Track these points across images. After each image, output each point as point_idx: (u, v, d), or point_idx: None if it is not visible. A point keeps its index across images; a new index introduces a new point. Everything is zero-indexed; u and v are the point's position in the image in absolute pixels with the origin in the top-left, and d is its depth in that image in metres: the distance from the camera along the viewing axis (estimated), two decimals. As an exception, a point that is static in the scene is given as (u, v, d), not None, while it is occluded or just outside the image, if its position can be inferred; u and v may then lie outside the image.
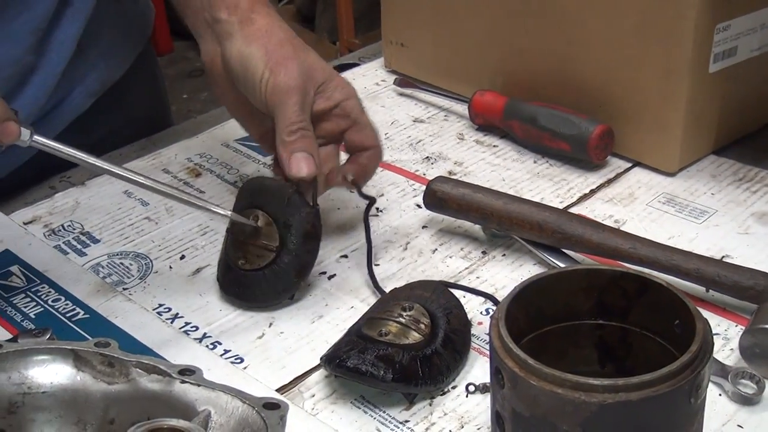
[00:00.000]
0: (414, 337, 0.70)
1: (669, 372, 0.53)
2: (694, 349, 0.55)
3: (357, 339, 0.70)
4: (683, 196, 0.90)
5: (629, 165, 0.95)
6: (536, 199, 0.88)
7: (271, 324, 0.76)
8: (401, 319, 0.71)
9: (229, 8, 0.81)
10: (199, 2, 0.83)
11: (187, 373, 0.62)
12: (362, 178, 0.85)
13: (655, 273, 0.70)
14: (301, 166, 0.78)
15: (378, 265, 0.83)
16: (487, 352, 0.72)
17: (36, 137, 0.73)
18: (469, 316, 0.75)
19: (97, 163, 0.76)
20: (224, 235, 0.81)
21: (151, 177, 0.77)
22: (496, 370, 0.57)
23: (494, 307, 0.77)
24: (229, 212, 0.78)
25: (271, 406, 0.59)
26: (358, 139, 0.83)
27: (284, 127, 0.78)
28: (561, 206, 0.89)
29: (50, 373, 0.63)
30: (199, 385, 0.61)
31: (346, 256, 0.83)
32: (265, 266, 0.77)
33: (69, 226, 0.89)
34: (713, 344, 0.57)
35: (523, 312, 0.60)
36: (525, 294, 0.60)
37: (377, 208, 0.90)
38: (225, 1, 0.81)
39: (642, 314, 0.62)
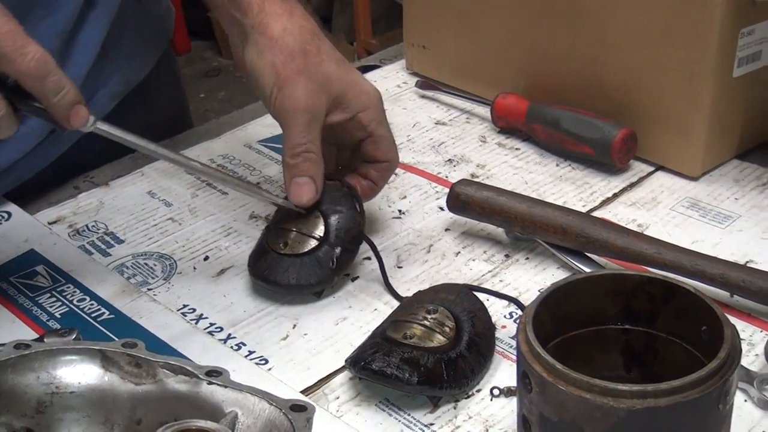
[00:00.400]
0: (439, 340, 0.70)
1: (698, 378, 0.53)
2: (723, 356, 0.55)
3: (382, 341, 0.70)
4: (706, 201, 0.90)
5: (652, 169, 0.95)
6: (559, 203, 0.88)
7: (295, 325, 0.77)
8: (426, 322, 0.71)
9: (242, 9, 0.80)
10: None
11: (214, 374, 0.62)
12: (369, 190, 0.84)
13: (679, 278, 0.70)
14: (301, 192, 0.78)
15: (401, 267, 0.83)
16: (512, 356, 0.72)
17: (99, 123, 0.73)
18: (493, 320, 0.75)
19: (158, 150, 0.76)
20: (263, 230, 0.82)
21: (206, 164, 0.77)
22: (523, 375, 0.57)
23: (518, 311, 0.77)
24: (284, 199, 0.79)
25: (298, 408, 0.60)
26: (372, 152, 0.83)
27: (288, 149, 0.78)
28: (584, 210, 0.89)
29: (78, 373, 0.63)
30: (226, 387, 0.62)
31: (369, 258, 0.83)
32: (304, 253, 0.77)
33: (93, 226, 0.90)
34: (741, 350, 0.57)
35: (549, 316, 0.61)
36: (552, 298, 0.60)
37: (399, 210, 0.90)
38: (239, 0, 0.80)
39: (669, 319, 0.62)
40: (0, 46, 0.66)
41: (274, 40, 0.79)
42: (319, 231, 0.79)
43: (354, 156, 0.85)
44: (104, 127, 0.73)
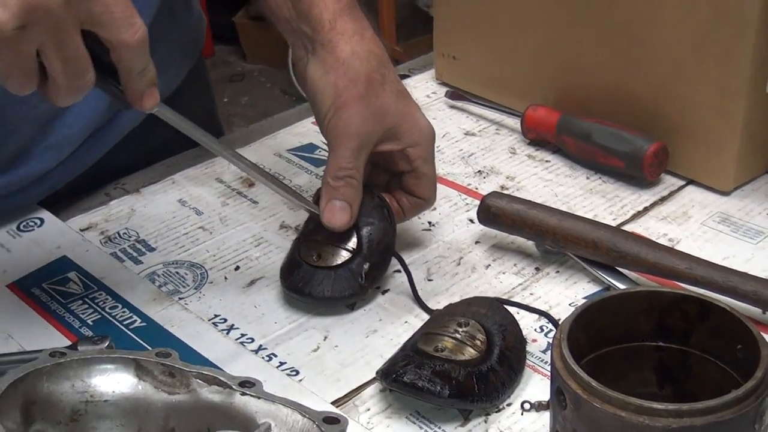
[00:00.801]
0: (470, 353, 0.70)
1: (734, 398, 0.53)
2: (759, 375, 0.55)
3: (413, 354, 0.70)
4: (738, 216, 0.90)
5: (683, 183, 0.95)
6: (589, 216, 0.88)
7: (325, 337, 0.77)
8: (457, 335, 0.71)
9: (312, 25, 0.80)
10: (288, 11, 0.82)
11: (248, 385, 0.63)
12: (396, 216, 0.83)
13: (711, 294, 0.70)
14: (336, 215, 0.78)
15: (431, 280, 0.83)
16: (542, 370, 0.72)
17: (162, 106, 0.73)
18: (524, 333, 0.75)
19: (213, 145, 0.78)
20: (294, 241, 0.83)
21: (254, 163, 0.79)
22: (557, 391, 0.57)
23: (548, 324, 0.77)
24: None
25: (331, 420, 0.60)
26: (412, 186, 0.83)
27: (332, 170, 0.78)
28: (614, 223, 0.89)
29: (112, 382, 0.64)
30: (259, 398, 0.62)
31: (399, 271, 0.83)
32: (338, 265, 0.78)
33: (125, 233, 0.91)
34: (777, 370, 0.56)
35: (583, 332, 0.60)
36: (586, 315, 0.60)
37: (429, 222, 0.90)
38: (310, 16, 0.80)
39: (703, 337, 0.62)
40: (112, 11, 0.65)
41: (340, 61, 0.79)
42: (352, 243, 0.79)
43: (392, 181, 0.85)
44: (166, 112, 0.74)
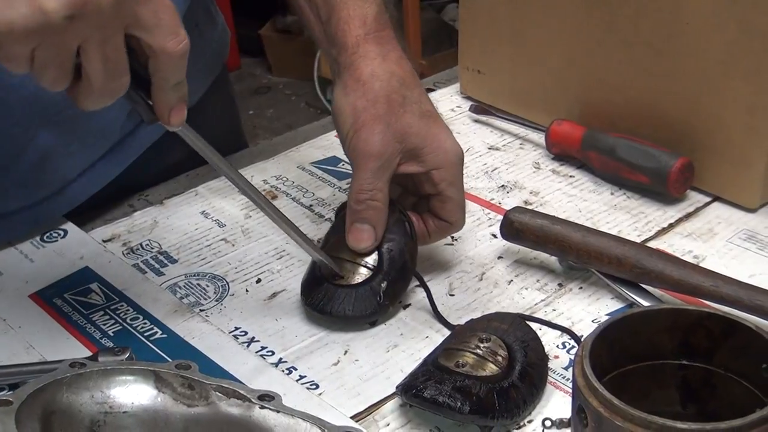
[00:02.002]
0: (491, 369, 0.69)
1: (759, 418, 0.53)
2: (785, 396, 0.54)
3: (434, 369, 0.69)
4: (764, 233, 0.88)
5: (709, 199, 0.94)
6: (613, 232, 0.87)
7: (346, 351, 0.77)
8: (478, 351, 0.70)
9: (338, 47, 0.80)
10: (320, 33, 0.83)
11: (267, 398, 0.63)
12: (422, 237, 0.82)
13: (736, 312, 0.69)
14: (360, 238, 0.78)
15: (453, 295, 0.82)
16: (564, 387, 0.72)
17: (185, 126, 0.73)
18: (546, 350, 0.75)
19: (222, 167, 0.76)
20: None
21: (263, 196, 0.79)
22: (579, 409, 0.57)
23: (571, 341, 0.76)
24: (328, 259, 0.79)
25: (350, 435, 0.60)
26: (438, 210, 0.82)
27: (354, 192, 0.78)
28: (638, 240, 0.88)
29: (132, 393, 0.64)
30: (278, 411, 0.62)
31: (420, 286, 0.82)
32: (359, 284, 0.77)
33: (147, 245, 0.91)
34: (803, 391, 0.56)
35: (606, 350, 0.60)
36: (609, 332, 0.60)
37: (452, 237, 0.90)
38: (336, 39, 0.80)
39: (727, 356, 0.61)
40: (160, 17, 0.65)
41: (360, 82, 0.79)
42: (372, 260, 0.79)
43: (419, 203, 0.84)
44: (188, 133, 0.73)
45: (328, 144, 1.06)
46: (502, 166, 1.02)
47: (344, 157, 0.98)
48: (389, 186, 0.79)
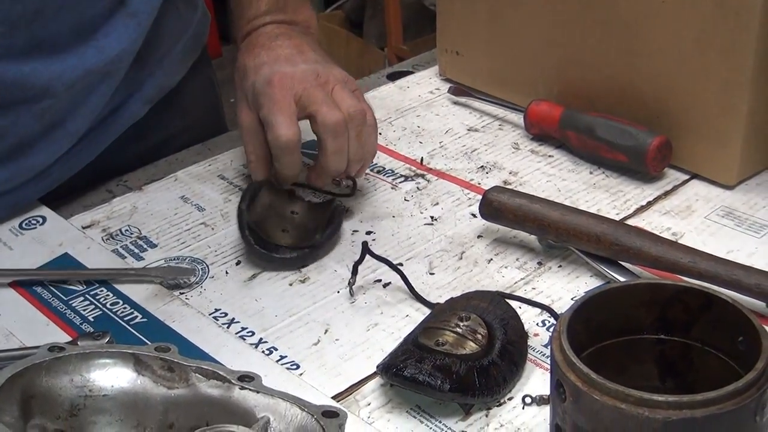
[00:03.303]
0: (471, 347, 0.70)
1: (734, 390, 0.53)
2: (760, 367, 0.54)
3: (414, 348, 0.69)
4: (742, 210, 0.89)
5: (687, 177, 0.94)
6: (592, 210, 0.88)
7: (326, 331, 0.77)
8: (458, 329, 0.71)
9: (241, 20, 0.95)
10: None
11: (247, 379, 0.63)
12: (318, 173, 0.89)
13: (715, 288, 0.70)
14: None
15: (433, 274, 0.83)
16: (544, 364, 0.72)
17: None
18: (526, 327, 0.75)
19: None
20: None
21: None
22: (557, 384, 0.57)
23: (550, 319, 0.77)
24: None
25: (330, 414, 0.60)
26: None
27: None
28: (617, 218, 0.88)
29: (111, 376, 0.64)
30: (258, 392, 0.62)
31: (401, 264, 0.83)
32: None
33: (126, 230, 0.90)
34: (779, 362, 0.56)
35: (583, 325, 0.60)
36: (586, 307, 0.60)
37: (432, 217, 0.90)
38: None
39: (705, 330, 0.61)
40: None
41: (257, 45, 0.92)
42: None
43: None
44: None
45: (308, 128, 1.06)
46: (482, 147, 1.02)
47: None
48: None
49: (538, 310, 0.77)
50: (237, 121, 0.90)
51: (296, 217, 0.89)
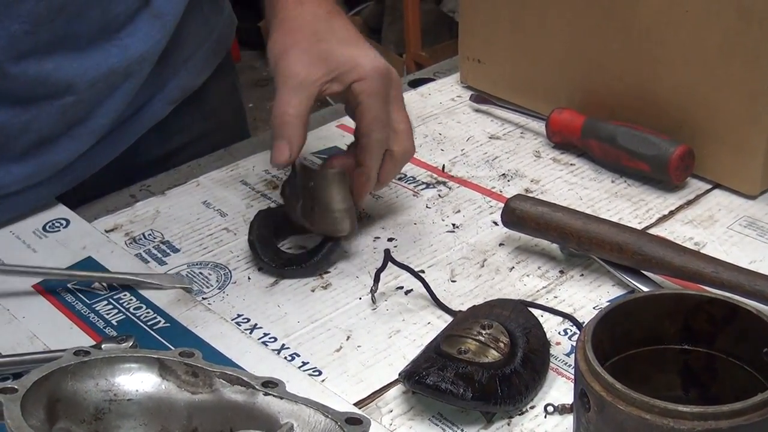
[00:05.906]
0: (493, 355, 0.70)
1: (760, 401, 0.53)
2: (786, 379, 0.54)
3: (436, 356, 0.70)
4: (765, 220, 0.89)
5: (709, 187, 0.94)
6: (614, 219, 0.88)
7: (348, 337, 0.77)
8: (480, 337, 0.71)
9: (271, 6, 0.88)
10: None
11: (270, 385, 0.63)
12: (361, 178, 0.84)
13: (737, 298, 0.70)
14: (278, 154, 0.82)
15: (455, 281, 0.83)
16: (566, 373, 0.72)
17: None
18: (548, 336, 0.75)
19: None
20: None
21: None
22: (581, 393, 0.57)
23: (573, 327, 0.77)
24: None
25: (354, 421, 0.60)
26: (358, 124, 0.84)
27: (273, 110, 0.83)
28: (639, 227, 0.88)
29: (136, 381, 0.64)
30: (282, 398, 0.62)
31: (423, 271, 0.83)
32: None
33: (150, 234, 0.91)
34: (804, 374, 0.56)
35: (608, 335, 0.60)
36: (611, 316, 0.60)
37: (453, 224, 0.90)
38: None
39: (729, 341, 0.61)
40: None
41: (285, 22, 0.85)
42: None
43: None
44: None
45: (329, 134, 1.07)
46: (503, 155, 1.02)
47: (345, 148, 0.99)
48: (309, 107, 0.82)
49: (560, 319, 0.77)
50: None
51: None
